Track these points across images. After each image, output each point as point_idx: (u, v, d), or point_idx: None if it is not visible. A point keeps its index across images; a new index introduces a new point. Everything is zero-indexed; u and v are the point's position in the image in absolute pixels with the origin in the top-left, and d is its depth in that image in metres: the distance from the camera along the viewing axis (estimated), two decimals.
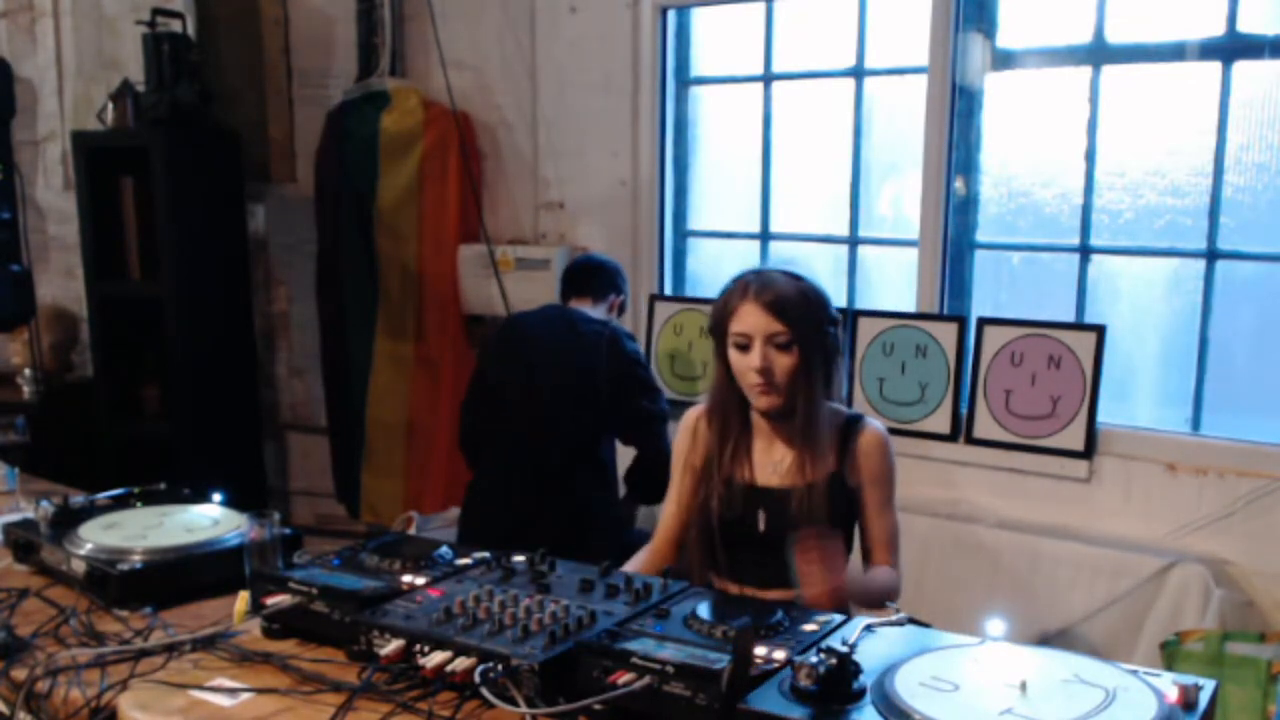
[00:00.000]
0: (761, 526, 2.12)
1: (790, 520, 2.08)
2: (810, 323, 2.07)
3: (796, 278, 2.13)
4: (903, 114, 3.49)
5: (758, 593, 2.09)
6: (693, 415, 2.26)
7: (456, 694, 1.50)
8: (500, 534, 2.94)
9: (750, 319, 2.07)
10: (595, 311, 3.28)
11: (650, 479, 3.20)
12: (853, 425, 2.16)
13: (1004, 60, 3.34)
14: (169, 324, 4.16)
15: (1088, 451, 3.12)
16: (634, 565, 2.23)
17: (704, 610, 1.59)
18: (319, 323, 4.57)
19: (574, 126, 4.06)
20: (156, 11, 4.09)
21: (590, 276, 3.34)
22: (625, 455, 3.30)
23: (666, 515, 2.31)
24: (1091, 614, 2.99)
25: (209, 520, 2.14)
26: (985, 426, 3.27)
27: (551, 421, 3.12)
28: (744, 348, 2.08)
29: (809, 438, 2.11)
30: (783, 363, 2.06)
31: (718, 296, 2.18)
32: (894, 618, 1.60)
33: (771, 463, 2.15)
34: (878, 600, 2.02)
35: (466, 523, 3.29)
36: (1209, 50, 2.99)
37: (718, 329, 2.14)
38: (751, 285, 2.10)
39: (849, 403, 3.45)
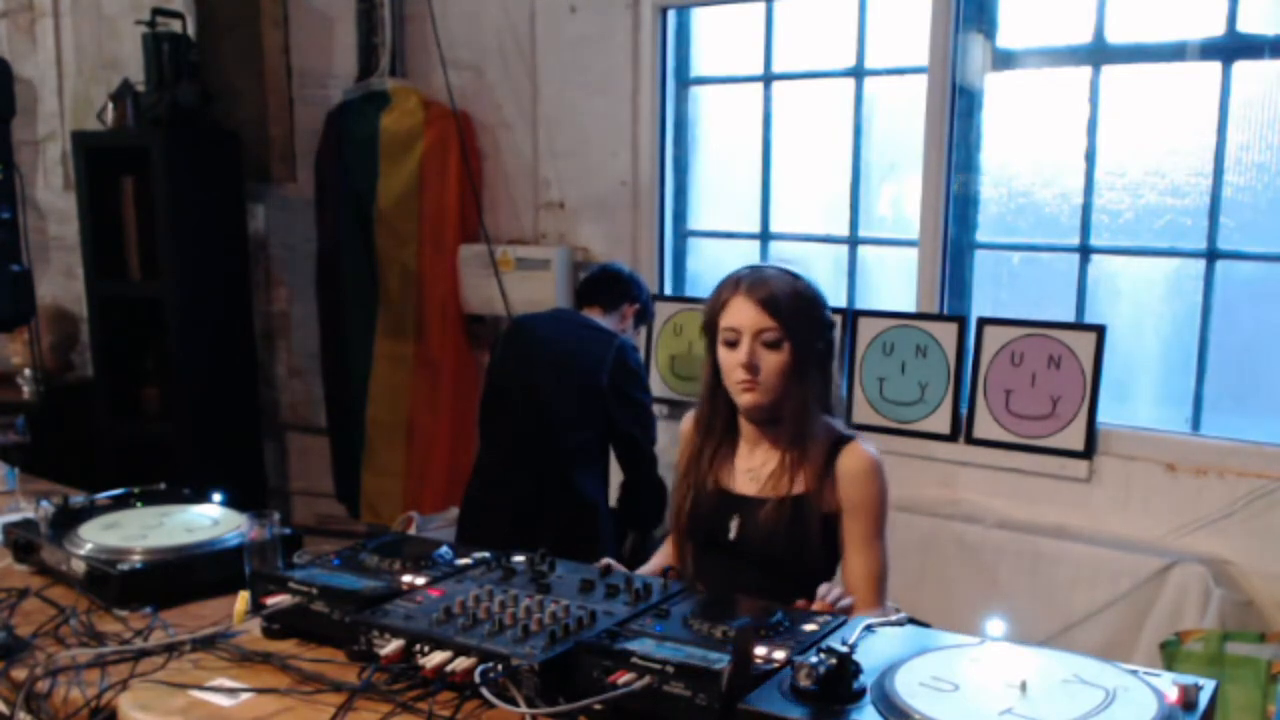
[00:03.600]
0: (732, 534, 2.05)
1: (759, 531, 2.01)
2: (802, 321, 1.98)
3: (793, 275, 2.04)
4: (903, 114, 3.49)
5: None
6: (688, 419, 2.22)
7: (456, 694, 1.50)
8: (500, 534, 2.95)
9: (740, 314, 1.98)
10: (605, 321, 3.29)
11: (636, 504, 3.22)
12: (840, 445, 2.02)
13: (1004, 60, 3.34)
14: (169, 324, 4.16)
15: (1088, 451, 3.12)
16: (648, 568, 2.22)
17: (704, 610, 1.59)
18: (319, 323, 4.57)
19: (574, 126, 4.06)
20: (156, 11, 4.09)
21: (600, 286, 3.35)
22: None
23: (673, 509, 2.28)
24: (1091, 614, 2.99)
25: (209, 520, 2.14)
26: (985, 426, 3.27)
27: (552, 422, 3.12)
28: (733, 344, 1.99)
29: (795, 446, 2.01)
30: (771, 361, 1.97)
31: (711, 292, 2.09)
32: (894, 618, 1.60)
33: (751, 470, 2.07)
34: None
35: (466, 522, 3.29)
36: (1209, 50, 2.99)
37: (709, 325, 2.05)
38: (744, 280, 2.01)
39: (849, 403, 3.47)
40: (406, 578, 1.78)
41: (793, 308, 1.98)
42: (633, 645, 1.45)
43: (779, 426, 2.04)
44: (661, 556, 2.27)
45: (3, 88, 3.63)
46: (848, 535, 2.02)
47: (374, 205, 4.30)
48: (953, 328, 3.34)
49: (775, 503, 2.01)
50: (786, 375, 1.98)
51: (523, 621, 1.57)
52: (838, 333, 2.11)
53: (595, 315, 3.30)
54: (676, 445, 2.26)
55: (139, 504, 2.26)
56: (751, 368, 1.97)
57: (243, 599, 1.80)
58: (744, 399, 2.01)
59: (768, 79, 3.80)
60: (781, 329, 1.96)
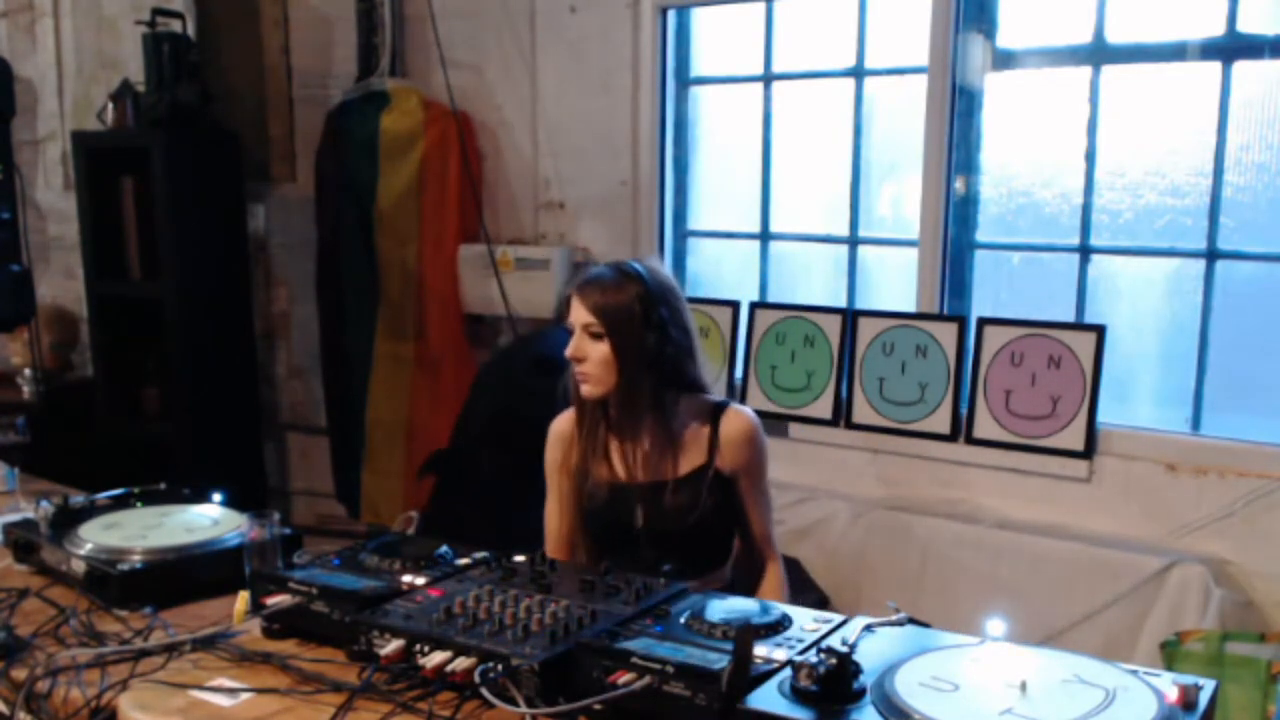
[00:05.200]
0: (639, 522, 2.16)
1: (666, 513, 2.14)
2: (621, 309, 2.10)
3: (623, 270, 2.15)
4: (903, 114, 3.49)
5: None
6: (562, 419, 2.29)
7: (456, 694, 1.50)
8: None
9: (574, 311, 2.16)
10: None
11: None
12: (719, 412, 2.19)
13: (1004, 60, 3.34)
14: (169, 324, 4.16)
15: (1088, 451, 3.12)
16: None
17: (704, 610, 1.59)
18: (319, 323, 4.57)
19: (574, 126, 4.06)
20: (156, 11, 4.09)
21: None
22: None
23: (550, 522, 2.32)
24: (1091, 614, 2.99)
25: (209, 520, 2.14)
26: (985, 426, 3.27)
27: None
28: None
29: (661, 428, 2.14)
30: (596, 351, 2.11)
31: None
32: (894, 618, 1.60)
33: (638, 458, 2.18)
34: None
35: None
36: (1209, 50, 2.99)
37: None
38: (576, 280, 2.20)
39: (849, 403, 3.48)
40: (406, 578, 1.78)
41: (612, 299, 2.12)
42: (633, 645, 1.45)
43: (642, 413, 2.16)
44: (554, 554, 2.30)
45: (3, 88, 3.63)
46: (745, 493, 2.22)
47: (374, 205, 4.30)
48: (953, 328, 3.34)
49: (675, 482, 2.16)
50: (612, 365, 2.12)
51: (523, 621, 1.57)
52: (686, 314, 2.20)
53: None
54: None
55: (139, 504, 2.26)
56: (578, 360, 2.14)
57: (243, 599, 1.81)
58: (582, 389, 2.17)
59: (768, 79, 3.80)
60: (601, 322, 2.12)
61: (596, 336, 2.12)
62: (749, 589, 2.26)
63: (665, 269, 2.25)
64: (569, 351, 2.15)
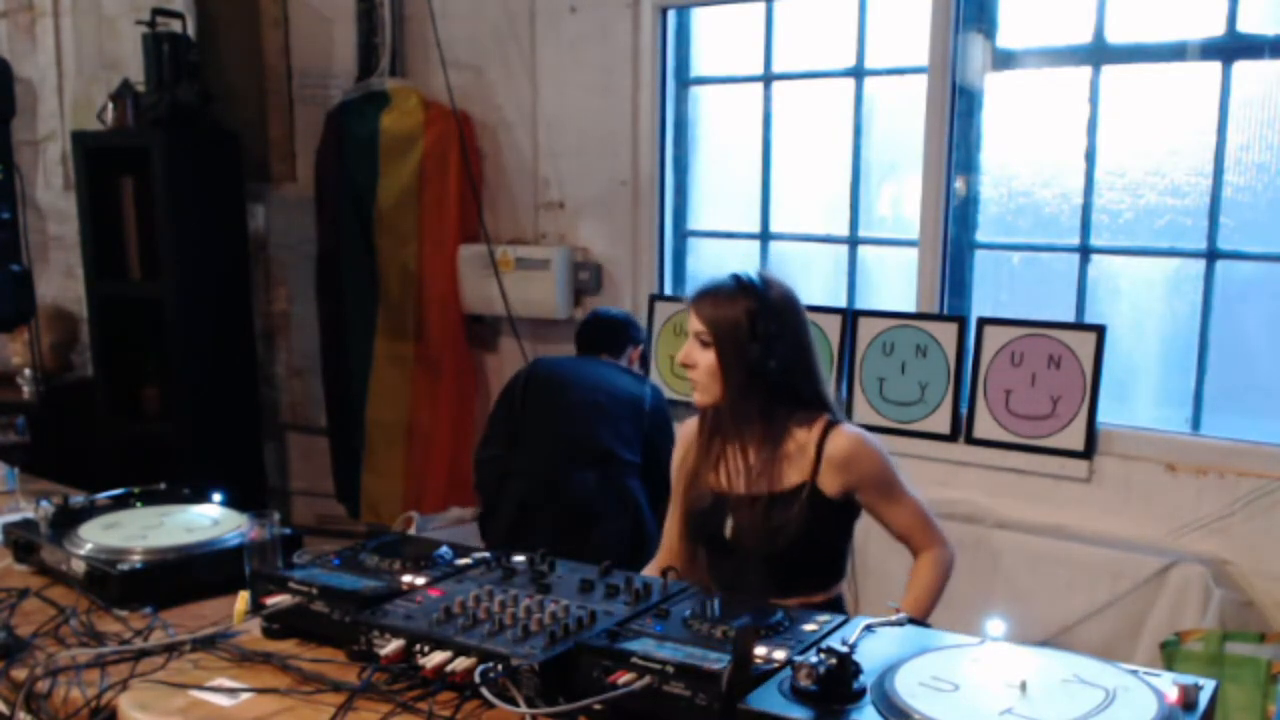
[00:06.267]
0: (728, 533, 2.13)
1: (756, 529, 2.09)
2: (728, 321, 2.09)
3: (739, 282, 2.12)
4: (903, 114, 3.49)
5: None
6: (690, 423, 2.29)
7: (456, 694, 1.50)
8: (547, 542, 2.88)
9: (690, 318, 2.15)
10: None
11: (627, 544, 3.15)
12: (827, 432, 2.12)
13: (1004, 60, 3.34)
14: (169, 324, 4.16)
15: (1088, 451, 3.12)
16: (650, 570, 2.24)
17: (704, 610, 1.59)
18: (319, 323, 4.57)
19: (574, 126, 4.06)
20: (156, 11, 4.09)
21: (603, 334, 3.33)
22: None
23: (667, 524, 2.33)
24: (1091, 614, 2.99)
25: (209, 520, 2.14)
26: (985, 426, 3.27)
27: (604, 435, 3.08)
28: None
29: (766, 443, 2.11)
30: (704, 360, 2.11)
31: None
32: (894, 618, 1.60)
33: (742, 469, 2.15)
34: (942, 590, 2.15)
35: (506, 535, 3.19)
36: (1209, 50, 2.99)
37: None
38: (696, 286, 2.18)
39: (848, 403, 3.47)
40: (406, 578, 1.78)
41: (724, 309, 2.10)
42: (633, 645, 1.45)
43: (749, 425, 2.12)
44: (661, 561, 2.29)
45: (3, 88, 3.63)
46: (873, 507, 2.15)
47: (374, 205, 4.30)
48: (953, 328, 3.34)
49: (769, 497, 2.09)
50: (717, 375, 2.10)
51: (523, 621, 1.57)
52: (801, 331, 2.16)
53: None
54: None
55: (139, 504, 2.26)
56: (688, 366, 2.14)
57: (243, 599, 1.81)
58: (695, 397, 2.16)
59: (768, 79, 3.80)
60: (709, 330, 2.10)
61: (706, 345, 2.11)
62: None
63: (785, 282, 2.19)
64: (679, 357, 2.16)
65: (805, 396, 2.14)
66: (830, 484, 2.09)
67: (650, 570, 2.27)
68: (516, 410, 3.21)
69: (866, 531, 3.31)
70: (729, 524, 2.12)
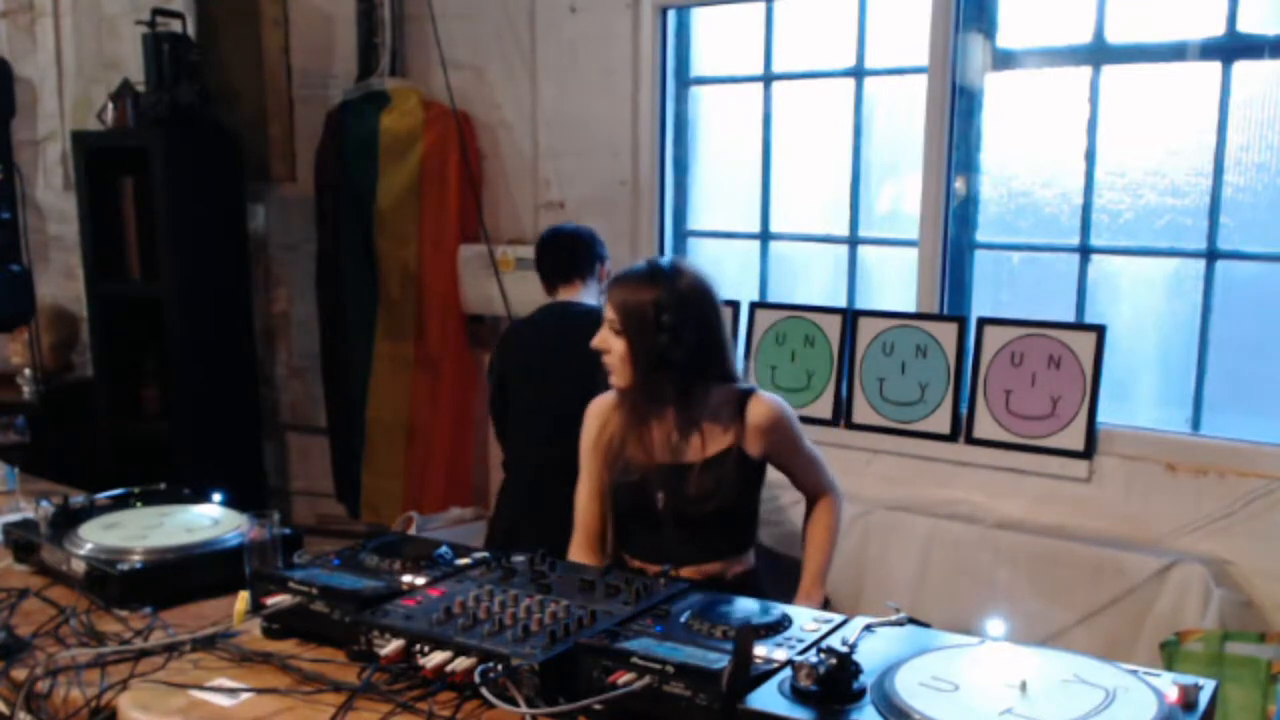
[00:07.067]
0: (659, 504, 2.23)
1: (688, 497, 2.20)
2: (636, 310, 2.19)
3: (652, 269, 2.24)
4: (903, 114, 3.49)
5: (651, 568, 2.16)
6: (601, 400, 2.37)
7: (456, 694, 1.50)
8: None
9: (606, 308, 2.27)
10: (589, 295, 3.18)
11: None
12: (745, 399, 2.27)
13: (1004, 60, 3.34)
14: (169, 324, 4.16)
15: (1088, 451, 3.12)
16: (571, 556, 2.33)
17: (704, 610, 1.59)
18: (319, 323, 4.57)
19: (574, 126, 4.06)
20: (156, 11, 4.09)
21: (571, 255, 3.22)
22: None
23: (581, 502, 2.39)
24: (1091, 614, 2.99)
25: (209, 520, 2.14)
26: (985, 426, 3.27)
27: (573, 428, 3.04)
28: None
29: (682, 415, 2.22)
30: (616, 345, 2.22)
31: None
32: (894, 618, 1.60)
33: (664, 443, 2.25)
34: (838, 530, 2.42)
35: (497, 530, 3.23)
36: (1209, 50, 2.99)
37: None
38: (614, 277, 2.33)
39: (849, 403, 3.48)
40: (406, 578, 1.78)
41: (629, 297, 2.21)
42: (632, 645, 1.45)
43: (664, 404, 2.23)
44: (581, 540, 2.36)
45: (3, 88, 3.64)
46: (787, 466, 2.37)
47: (374, 205, 4.30)
48: (953, 328, 3.34)
49: (701, 465, 2.22)
50: (628, 360, 2.21)
51: (523, 621, 1.57)
52: (711, 316, 2.26)
53: (577, 292, 3.17)
54: None
55: (139, 504, 2.27)
56: (603, 353, 2.24)
57: (243, 599, 1.81)
58: (612, 379, 2.26)
59: (768, 79, 3.80)
60: (619, 319, 2.21)
61: (616, 332, 2.22)
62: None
63: (695, 268, 2.30)
64: (594, 342, 2.26)
65: (715, 373, 2.27)
66: (754, 447, 2.26)
67: (576, 551, 2.35)
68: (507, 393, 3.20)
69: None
70: (660, 496, 2.22)
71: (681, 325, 2.19)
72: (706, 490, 2.21)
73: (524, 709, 1.42)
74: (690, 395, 2.23)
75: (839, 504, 2.45)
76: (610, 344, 2.24)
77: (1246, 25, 2.93)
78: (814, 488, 2.44)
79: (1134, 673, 1.38)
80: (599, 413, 2.37)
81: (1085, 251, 3.24)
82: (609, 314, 2.23)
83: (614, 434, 2.31)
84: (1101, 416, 3.11)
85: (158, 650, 1.70)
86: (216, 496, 2.23)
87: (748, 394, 2.28)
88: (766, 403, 2.27)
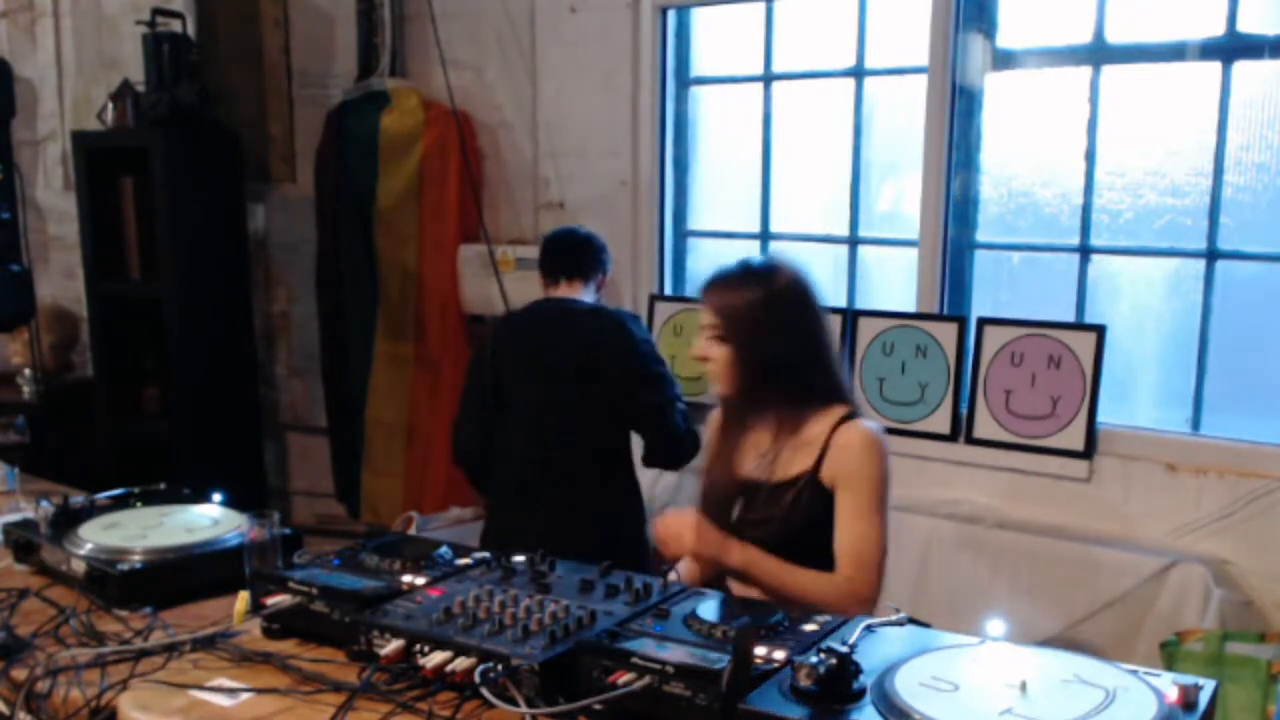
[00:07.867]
0: (734, 516, 2.13)
1: (756, 516, 2.10)
2: (736, 311, 2.08)
3: (750, 270, 2.12)
4: (903, 114, 3.49)
5: (734, 585, 2.11)
6: (716, 412, 2.29)
7: (456, 694, 1.50)
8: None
9: (703, 313, 2.14)
10: (587, 295, 3.11)
11: (665, 457, 3.06)
12: (841, 424, 2.07)
13: (1004, 60, 3.34)
14: (169, 324, 4.16)
15: (1088, 451, 3.12)
16: (684, 566, 2.24)
17: (704, 610, 1.59)
18: (319, 323, 4.57)
19: (574, 126, 4.06)
20: (156, 11, 4.09)
21: (578, 254, 3.14)
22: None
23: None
24: (1091, 614, 2.99)
25: (209, 520, 2.14)
26: (985, 426, 3.27)
27: (567, 423, 2.99)
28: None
29: (782, 431, 2.09)
30: (717, 352, 2.10)
31: None
32: (894, 618, 1.60)
33: (754, 455, 2.14)
34: (795, 600, 1.93)
35: (492, 536, 3.13)
36: (1209, 50, 2.99)
37: None
38: (707, 280, 2.17)
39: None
40: (406, 578, 1.78)
41: (735, 302, 2.09)
42: (633, 645, 1.45)
43: (764, 413, 2.12)
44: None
45: (3, 88, 3.64)
46: (838, 508, 2.04)
47: (374, 205, 4.30)
48: (953, 328, 3.34)
49: (772, 485, 2.09)
50: (732, 366, 2.09)
51: (523, 621, 1.57)
52: (810, 318, 2.13)
53: (576, 291, 3.10)
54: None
55: (139, 504, 2.26)
56: (703, 360, 2.13)
57: (243, 599, 1.80)
58: (715, 388, 2.15)
59: (768, 79, 3.80)
60: (722, 325, 2.09)
61: (717, 337, 2.10)
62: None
63: (796, 268, 2.14)
64: (693, 352, 2.15)
65: (819, 385, 2.11)
66: (828, 471, 2.05)
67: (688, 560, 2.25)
68: (501, 390, 3.09)
69: None
70: (736, 508, 2.12)
71: (783, 325, 2.07)
72: (766, 514, 2.07)
73: (524, 709, 1.42)
74: (792, 406, 2.09)
75: (852, 598, 1.98)
76: (711, 352, 2.11)
77: (1246, 25, 2.93)
78: (844, 558, 2.02)
79: (1134, 673, 1.38)
80: (712, 419, 2.28)
81: (1085, 251, 3.24)
82: (707, 319, 2.10)
83: (711, 438, 2.24)
84: (1101, 416, 3.11)
85: (158, 650, 1.70)
86: (216, 496, 2.23)
87: (847, 418, 2.07)
88: (858, 429, 2.05)
